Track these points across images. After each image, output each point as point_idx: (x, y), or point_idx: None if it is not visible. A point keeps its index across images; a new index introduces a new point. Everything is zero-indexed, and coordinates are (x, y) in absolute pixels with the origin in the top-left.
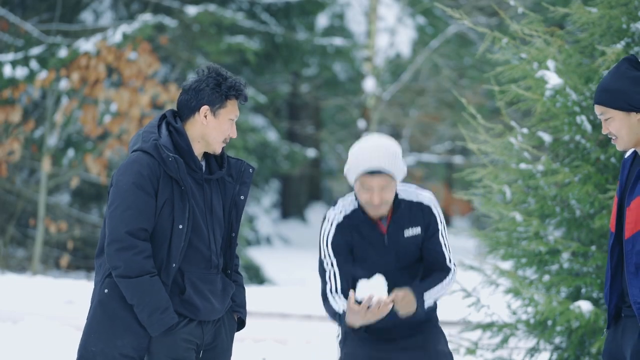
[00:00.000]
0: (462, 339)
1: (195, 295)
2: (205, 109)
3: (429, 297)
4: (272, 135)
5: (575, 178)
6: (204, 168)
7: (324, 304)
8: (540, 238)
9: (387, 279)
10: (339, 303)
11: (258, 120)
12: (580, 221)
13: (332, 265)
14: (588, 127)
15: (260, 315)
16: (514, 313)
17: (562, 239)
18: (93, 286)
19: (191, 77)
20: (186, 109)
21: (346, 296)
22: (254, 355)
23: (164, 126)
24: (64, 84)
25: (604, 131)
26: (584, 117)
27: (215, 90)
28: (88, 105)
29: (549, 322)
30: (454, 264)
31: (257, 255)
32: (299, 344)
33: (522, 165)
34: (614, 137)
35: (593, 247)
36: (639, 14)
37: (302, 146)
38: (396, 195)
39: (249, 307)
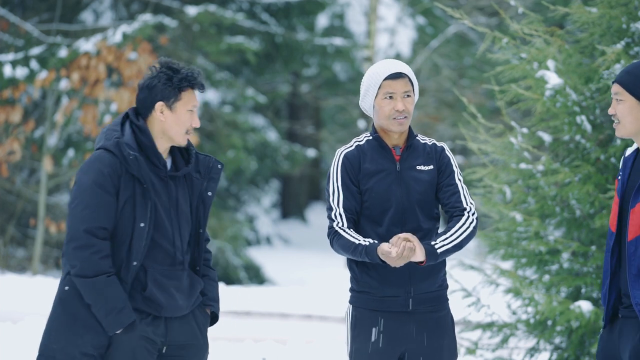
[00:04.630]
0: (462, 338)
1: (158, 292)
2: (160, 105)
3: (442, 242)
4: (272, 135)
5: (575, 178)
6: (170, 164)
7: (337, 242)
8: (540, 238)
9: (399, 216)
10: (356, 236)
11: (258, 120)
12: (580, 221)
13: (338, 199)
14: (588, 127)
15: (260, 315)
16: (514, 313)
17: (562, 239)
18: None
19: (146, 74)
20: (143, 107)
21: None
22: (254, 355)
23: (127, 124)
24: (64, 84)
25: (610, 111)
26: (584, 117)
27: (168, 85)
28: (88, 105)
29: (549, 322)
30: (473, 206)
31: (257, 255)
32: (299, 344)
33: (522, 165)
34: (616, 121)
35: (593, 247)
36: (639, 14)
37: (302, 146)
38: (412, 131)
39: (249, 306)
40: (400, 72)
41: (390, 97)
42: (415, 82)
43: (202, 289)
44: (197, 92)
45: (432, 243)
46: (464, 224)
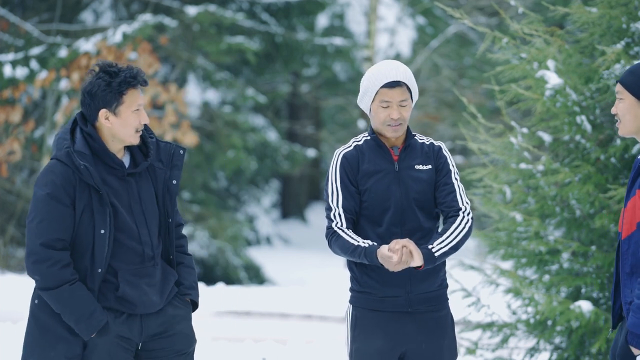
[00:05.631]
0: (462, 338)
1: (131, 291)
2: (103, 112)
3: (439, 245)
4: (272, 135)
5: (575, 178)
6: (128, 162)
7: (335, 242)
8: (540, 238)
9: (398, 215)
10: (355, 238)
11: (258, 120)
12: (580, 221)
13: (337, 199)
14: (588, 127)
15: (260, 315)
16: (514, 313)
17: (562, 239)
18: None
19: (86, 78)
20: (89, 113)
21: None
22: (254, 355)
23: (77, 130)
24: (64, 84)
25: (613, 111)
26: (584, 117)
27: (107, 91)
28: None
29: (549, 322)
30: (469, 206)
31: (257, 255)
32: (299, 344)
33: (522, 165)
34: (618, 120)
35: (593, 247)
36: (639, 14)
37: (302, 146)
38: (410, 130)
39: (249, 306)
40: (398, 81)
41: (387, 105)
42: (413, 87)
43: (178, 279)
44: (140, 90)
45: (430, 247)
46: (459, 224)
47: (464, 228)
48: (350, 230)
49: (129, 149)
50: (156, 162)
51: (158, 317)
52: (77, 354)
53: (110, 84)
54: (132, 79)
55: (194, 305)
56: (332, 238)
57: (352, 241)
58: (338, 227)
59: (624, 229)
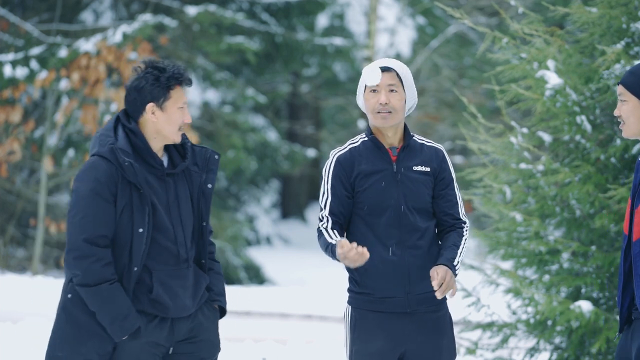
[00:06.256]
0: (462, 338)
1: (165, 294)
2: (150, 106)
3: (458, 263)
4: (272, 135)
5: (575, 178)
6: (166, 162)
7: (319, 240)
8: (540, 238)
9: (396, 216)
10: (332, 236)
11: (258, 120)
12: (580, 221)
13: (327, 201)
14: (588, 127)
15: (260, 315)
16: (514, 313)
17: (562, 239)
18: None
19: (131, 75)
20: (133, 109)
21: (340, 234)
22: (254, 355)
23: (119, 128)
24: (64, 84)
25: (616, 113)
26: (584, 117)
27: (156, 85)
28: (88, 105)
29: (549, 322)
30: (466, 217)
31: (257, 255)
32: (299, 344)
33: (522, 165)
34: (621, 122)
35: (593, 247)
36: (639, 14)
37: (302, 146)
38: (408, 131)
39: (249, 306)
40: (386, 67)
41: (375, 90)
42: (405, 77)
43: (208, 284)
44: (186, 88)
45: (454, 264)
46: (465, 237)
47: (467, 239)
48: (335, 231)
49: (166, 150)
50: (192, 165)
51: (188, 321)
52: (108, 352)
53: (159, 79)
54: (179, 76)
55: (222, 312)
56: (318, 236)
57: (328, 239)
58: (323, 227)
59: (636, 230)
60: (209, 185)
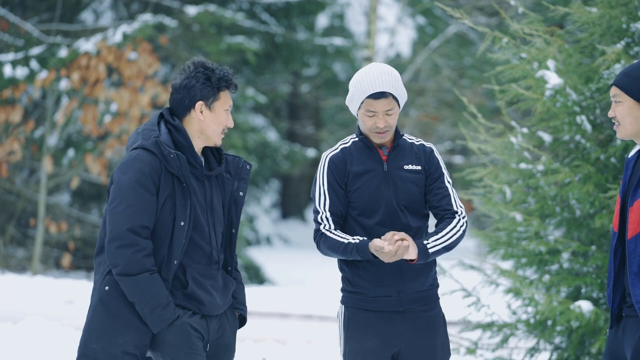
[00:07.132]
0: (462, 338)
1: (198, 290)
2: (200, 104)
3: (434, 242)
4: (272, 135)
5: (575, 178)
6: (203, 164)
7: (324, 243)
8: (540, 238)
9: (388, 215)
10: (344, 236)
11: (258, 120)
12: (580, 221)
13: (324, 202)
14: (588, 127)
15: (260, 315)
16: (514, 313)
17: (562, 239)
18: (93, 285)
19: (179, 75)
20: (181, 107)
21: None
22: (254, 355)
23: (162, 124)
24: (64, 84)
25: (610, 114)
26: (584, 117)
27: (207, 85)
28: (88, 105)
29: (549, 322)
30: (463, 210)
31: (257, 255)
32: (299, 344)
33: (522, 165)
34: (616, 123)
35: (593, 247)
36: (639, 13)
37: (302, 146)
38: (398, 130)
39: (249, 306)
40: (383, 92)
41: (372, 114)
42: (400, 95)
43: (233, 291)
44: (231, 93)
45: (425, 242)
46: (455, 226)
47: (459, 230)
48: (339, 231)
49: (203, 153)
50: (224, 172)
51: (217, 321)
52: (146, 344)
53: (210, 79)
54: (229, 80)
55: (242, 322)
56: (321, 240)
57: (341, 240)
58: (326, 230)
59: (631, 228)
60: (241, 193)
